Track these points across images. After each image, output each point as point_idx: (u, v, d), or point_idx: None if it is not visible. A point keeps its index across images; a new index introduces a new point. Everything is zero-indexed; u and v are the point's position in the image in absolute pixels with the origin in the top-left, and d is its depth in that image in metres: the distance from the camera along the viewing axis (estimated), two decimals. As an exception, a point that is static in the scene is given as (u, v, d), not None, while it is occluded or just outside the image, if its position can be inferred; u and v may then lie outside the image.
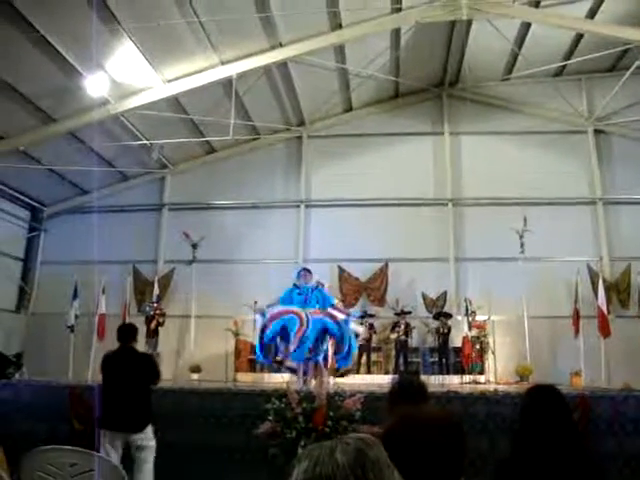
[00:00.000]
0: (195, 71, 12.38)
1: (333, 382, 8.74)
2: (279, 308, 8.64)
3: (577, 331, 12.59)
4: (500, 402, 6.58)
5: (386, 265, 14.58)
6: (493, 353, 13.38)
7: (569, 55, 13.86)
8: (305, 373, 8.66)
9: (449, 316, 13.45)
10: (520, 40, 13.16)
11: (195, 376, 13.09)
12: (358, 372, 12.96)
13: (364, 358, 13.25)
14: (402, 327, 13.22)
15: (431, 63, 14.73)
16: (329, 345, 8.61)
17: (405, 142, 15.54)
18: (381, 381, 11.62)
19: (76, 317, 13.79)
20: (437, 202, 15.07)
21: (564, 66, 14.54)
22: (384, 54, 13.47)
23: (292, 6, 11.20)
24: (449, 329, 13.23)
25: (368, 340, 13.25)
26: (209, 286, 14.37)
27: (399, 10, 11.99)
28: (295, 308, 8.50)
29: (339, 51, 13.02)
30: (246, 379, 12.68)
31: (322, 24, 11.94)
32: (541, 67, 13.92)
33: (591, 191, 14.65)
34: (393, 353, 13.52)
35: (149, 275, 15.13)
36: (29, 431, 7.15)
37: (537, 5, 12.10)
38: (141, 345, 12.61)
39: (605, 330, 12.25)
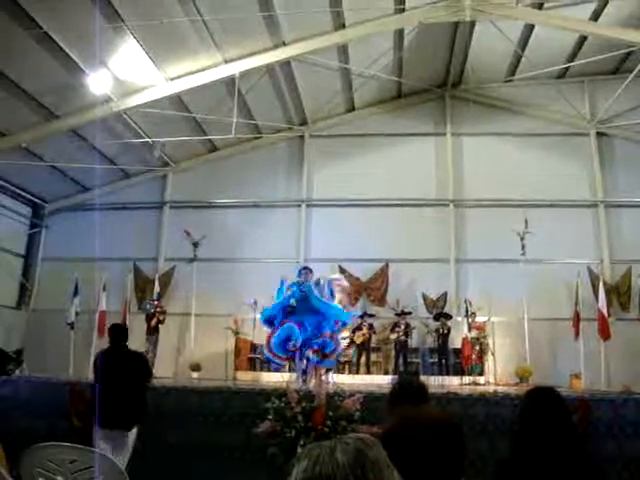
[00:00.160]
0: (198, 69, 12.39)
1: (333, 382, 8.75)
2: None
3: (577, 333, 12.59)
4: (500, 403, 6.58)
5: (387, 265, 14.58)
6: (493, 354, 13.38)
7: (572, 57, 13.85)
8: (304, 372, 8.67)
9: (449, 317, 13.45)
10: (523, 42, 13.15)
11: (195, 374, 13.10)
12: (357, 372, 12.98)
13: (363, 358, 13.25)
14: (402, 327, 13.22)
15: (434, 64, 14.72)
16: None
17: (407, 143, 15.54)
18: (380, 381, 11.64)
19: (77, 314, 13.80)
20: (438, 203, 15.07)
21: (567, 68, 14.53)
22: (387, 54, 13.47)
23: (295, 5, 11.20)
24: (449, 330, 13.22)
25: (367, 340, 13.26)
26: (210, 284, 14.38)
27: (402, 11, 11.99)
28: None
29: (342, 51, 13.02)
30: (246, 378, 12.69)
31: (325, 24, 11.94)
32: (544, 69, 13.91)
33: (593, 194, 14.64)
34: (393, 353, 13.51)
35: (150, 273, 15.15)
36: (29, 428, 7.16)
37: (540, 7, 12.09)
38: (141, 342, 12.67)
39: (605, 333, 12.25)
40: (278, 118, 15.17)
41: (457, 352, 13.31)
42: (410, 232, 14.51)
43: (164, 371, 13.21)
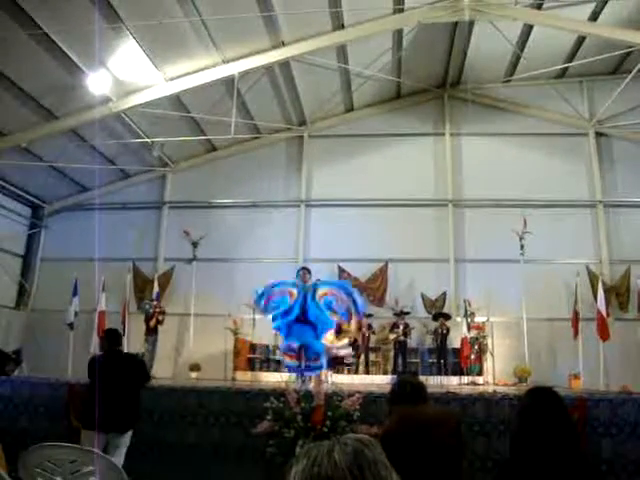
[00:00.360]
0: (197, 69, 12.39)
1: (332, 381, 8.76)
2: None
3: (576, 333, 12.61)
4: (498, 404, 6.58)
5: (386, 265, 14.58)
6: (492, 354, 13.39)
7: (571, 57, 13.87)
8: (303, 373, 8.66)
9: (448, 317, 13.45)
10: (522, 42, 13.17)
11: (194, 374, 13.09)
12: (357, 372, 12.98)
13: (362, 358, 13.26)
14: (401, 327, 13.23)
15: (433, 64, 14.73)
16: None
17: (406, 143, 15.55)
18: (379, 381, 11.65)
19: (76, 314, 13.79)
20: (437, 203, 15.07)
21: (566, 68, 14.54)
22: (386, 54, 13.47)
23: (295, 5, 11.20)
24: (448, 330, 13.23)
25: (367, 340, 13.26)
26: (209, 285, 14.38)
27: (401, 11, 12.00)
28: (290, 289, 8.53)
29: (341, 51, 13.02)
30: (245, 378, 12.70)
31: (324, 24, 11.94)
32: (543, 69, 13.91)
33: (591, 194, 14.65)
34: (392, 353, 13.52)
35: (149, 273, 15.14)
36: (28, 428, 7.17)
37: (539, 7, 12.09)
38: (140, 343, 12.68)
39: (604, 333, 12.25)
40: (277, 118, 15.18)
41: (456, 352, 13.31)
42: (409, 232, 14.51)
43: (163, 371, 13.21)
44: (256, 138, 15.80)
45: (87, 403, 5.49)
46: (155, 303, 13.41)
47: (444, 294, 14.24)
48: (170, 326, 13.89)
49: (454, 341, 13.45)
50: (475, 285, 14.15)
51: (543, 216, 13.99)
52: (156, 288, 14.21)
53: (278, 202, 15.53)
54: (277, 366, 12.92)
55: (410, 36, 13.05)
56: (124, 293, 14.36)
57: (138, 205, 15.96)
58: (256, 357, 13.73)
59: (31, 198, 15.64)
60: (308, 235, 15.22)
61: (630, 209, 14.35)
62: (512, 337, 13.42)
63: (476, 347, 12.98)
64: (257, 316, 13.71)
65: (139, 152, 14.96)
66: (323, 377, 8.15)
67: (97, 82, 11.57)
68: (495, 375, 13.29)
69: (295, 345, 8.53)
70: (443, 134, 15.57)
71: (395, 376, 11.59)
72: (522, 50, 13.33)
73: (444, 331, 13.21)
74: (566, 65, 14.18)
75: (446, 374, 12.89)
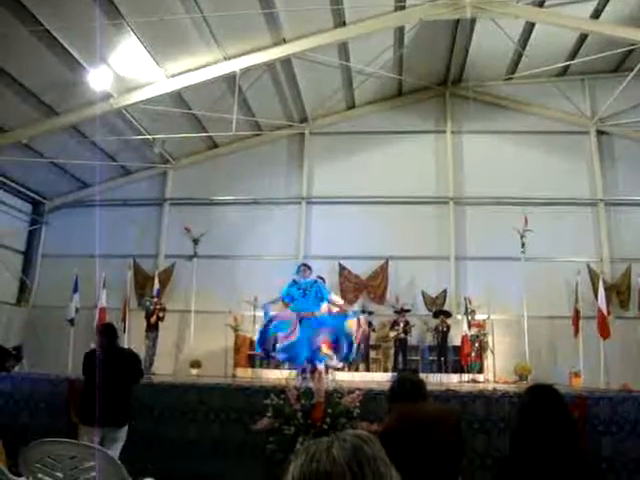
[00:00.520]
0: (198, 66, 12.37)
1: (332, 379, 8.76)
2: (283, 312, 8.84)
3: (577, 331, 12.60)
4: (498, 401, 6.58)
5: (386, 263, 14.58)
6: (492, 352, 13.40)
7: (573, 55, 13.84)
8: (304, 370, 8.68)
9: (449, 314, 13.45)
10: (524, 40, 13.14)
11: (195, 371, 13.12)
12: (357, 369, 12.98)
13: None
14: (401, 325, 13.23)
15: (434, 61, 14.71)
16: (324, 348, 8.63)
17: (407, 140, 15.54)
18: (380, 379, 11.65)
19: (76, 310, 13.82)
20: (438, 200, 15.06)
21: (567, 66, 14.52)
22: (387, 52, 13.45)
23: (296, 2, 11.19)
24: (448, 327, 13.23)
25: (367, 338, 13.26)
26: (209, 281, 14.39)
27: (403, 8, 11.97)
28: (292, 314, 8.68)
29: (342, 48, 13.00)
30: (245, 375, 12.71)
31: (326, 21, 11.92)
32: (544, 67, 13.90)
33: (592, 192, 14.63)
34: (392, 351, 13.52)
35: (150, 270, 15.15)
36: (28, 424, 7.19)
37: (541, 5, 12.07)
38: (141, 339, 12.68)
39: (604, 331, 12.24)
40: (278, 115, 15.17)
41: (456, 350, 13.32)
42: (410, 230, 14.51)
43: (164, 368, 13.23)
44: (257, 135, 15.78)
45: (83, 398, 5.52)
46: (156, 300, 13.41)
47: (445, 292, 14.24)
48: (171, 323, 13.90)
49: (454, 339, 13.45)
50: (476, 283, 14.15)
51: (544, 214, 13.97)
52: (157, 285, 14.21)
53: (279, 199, 15.52)
54: (277, 363, 12.92)
55: (411, 33, 13.03)
56: (125, 290, 14.37)
57: (139, 202, 15.97)
58: (256, 354, 13.71)
59: (32, 194, 15.65)
60: (309, 232, 15.22)
61: (631, 207, 14.33)
62: (513, 335, 13.42)
63: (477, 345, 12.99)
64: (258, 313, 13.74)
65: (140, 149, 14.96)
66: (323, 374, 8.17)
67: (98, 78, 11.57)
68: (495, 373, 13.30)
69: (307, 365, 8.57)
70: (444, 132, 15.55)
71: (395, 374, 11.61)
72: (524, 48, 13.30)
73: (444, 329, 13.21)
74: (568, 63, 14.15)
75: (446, 372, 12.89)
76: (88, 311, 13.83)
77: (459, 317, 13.68)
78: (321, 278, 9.64)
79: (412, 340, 13.64)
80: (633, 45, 12.21)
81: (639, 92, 13.63)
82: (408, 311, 13.61)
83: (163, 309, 13.22)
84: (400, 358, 13.15)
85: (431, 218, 14.93)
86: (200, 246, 14.44)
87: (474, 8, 11.61)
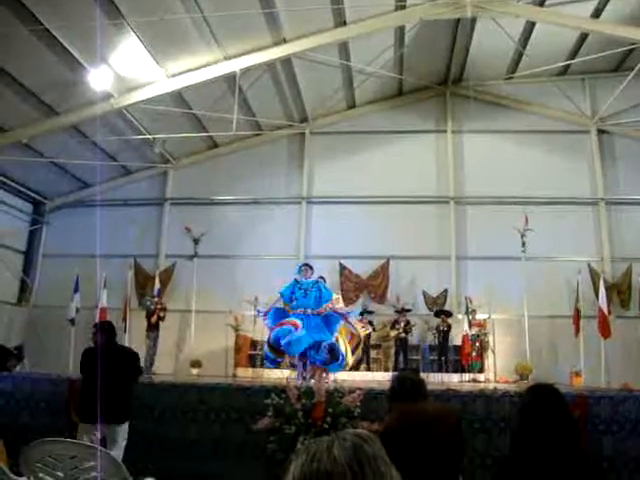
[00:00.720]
0: (199, 66, 12.37)
1: (332, 379, 8.76)
2: (285, 320, 8.90)
3: (577, 331, 12.59)
4: (499, 401, 6.58)
5: (387, 262, 14.58)
6: (493, 352, 13.40)
7: (573, 55, 13.83)
8: (304, 369, 8.69)
9: (449, 314, 13.45)
10: (524, 39, 13.12)
11: (195, 371, 13.13)
12: (357, 369, 12.98)
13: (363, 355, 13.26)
14: (402, 324, 13.23)
15: (435, 61, 14.70)
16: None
17: (408, 140, 15.53)
18: (380, 378, 11.65)
19: (77, 310, 13.81)
20: (439, 200, 15.06)
21: (568, 66, 14.51)
22: (388, 51, 13.44)
23: (296, 2, 11.19)
24: (449, 327, 13.23)
25: (367, 337, 13.26)
26: (210, 281, 14.39)
27: (403, 7, 11.96)
28: (295, 320, 8.74)
29: (343, 48, 12.99)
30: (246, 374, 12.72)
31: (326, 20, 11.91)
32: (545, 66, 13.89)
33: (593, 191, 14.62)
34: (393, 350, 13.53)
35: (150, 269, 15.15)
36: (29, 423, 7.19)
37: (542, 4, 12.06)
38: (142, 339, 12.68)
39: (605, 330, 12.23)
40: (279, 115, 15.16)
41: (457, 349, 13.32)
42: (411, 229, 14.50)
43: (164, 368, 13.24)
44: (257, 135, 15.78)
45: (82, 396, 5.50)
46: (156, 299, 13.42)
47: (445, 291, 14.24)
48: (171, 323, 13.90)
49: (455, 338, 13.45)
50: (476, 282, 14.15)
51: (545, 213, 13.97)
52: (157, 284, 14.21)
53: (279, 199, 15.52)
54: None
55: (412, 33, 13.02)
56: (125, 289, 14.37)
57: (139, 202, 15.97)
58: (257, 354, 13.72)
59: (32, 194, 15.65)
60: (309, 232, 15.22)
61: (632, 207, 14.33)
62: (513, 334, 13.41)
63: (477, 344, 13.00)
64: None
65: (140, 148, 14.96)
66: (324, 374, 8.17)
67: (98, 78, 11.57)
68: (496, 372, 13.31)
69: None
70: (445, 131, 15.55)
71: (395, 373, 11.60)
72: (524, 47, 13.29)
73: (445, 328, 13.21)
74: (568, 62, 14.13)
75: (447, 371, 12.90)
76: (89, 311, 13.82)
77: (460, 317, 13.68)
78: (322, 278, 9.67)
79: (413, 340, 13.65)
80: (633, 44, 12.20)
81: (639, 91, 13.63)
82: (409, 311, 13.61)
83: (164, 309, 13.22)
84: (401, 358, 13.16)
85: (432, 218, 14.93)
86: (201, 246, 14.45)
87: (474, 7, 11.60)
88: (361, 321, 12.94)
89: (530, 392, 2.66)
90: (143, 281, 15.01)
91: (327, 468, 1.02)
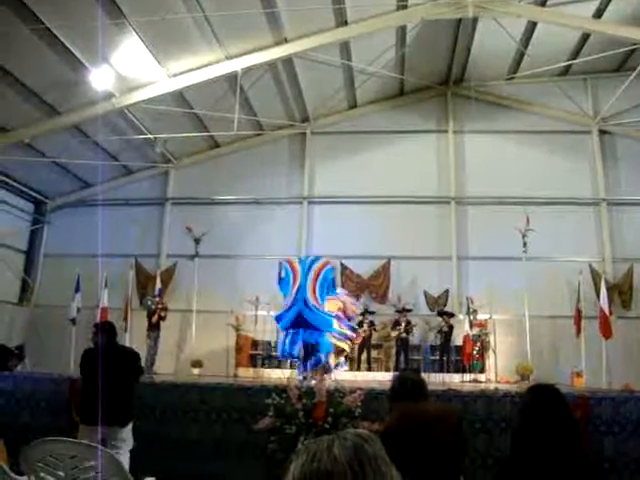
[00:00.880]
0: (200, 66, 12.38)
1: (333, 379, 8.76)
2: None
3: (579, 331, 12.57)
4: (500, 401, 6.57)
5: (388, 262, 14.58)
6: (494, 352, 13.39)
7: (575, 55, 13.82)
8: (305, 369, 8.70)
9: (452, 315, 13.42)
10: (526, 39, 13.11)
11: (196, 371, 13.13)
12: (359, 369, 12.98)
13: (364, 355, 13.26)
14: (403, 325, 13.23)
15: (436, 61, 14.70)
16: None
17: (409, 140, 15.53)
18: (381, 378, 11.64)
19: (78, 310, 13.82)
20: (440, 200, 15.05)
21: (570, 66, 14.50)
22: (389, 51, 13.44)
23: (297, 2, 11.19)
24: (451, 327, 13.22)
25: (368, 337, 13.27)
26: (211, 281, 14.39)
27: (405, 7, 11.96)
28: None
29: (344, 48, 13.00)
30: (247, 374, 12.73)
31: (327, 20, 11.91)
32: (547, 66, 13.88)
33: (595, 191, 14.60)
34: (394, 350, 13.52)
35: (151, 269, 15.16)
36: (30, 423, 7.19)
37: (543, 4, 12.05)
38: (142, 339, 12.69)
39: (607, 331, 12.22)
40: (280, 115, 15.17)
41: (458, 349, 13.31)
42: (412, 229, 14.50)
43: (165, 367, 13.24)
44: (259, 135, 15.79)
45: (82, 397, 5.43)
46: (157, 299, 13.43)
47: (446, 291, 14.23)
48: (172, 322, 13.91)
49: (456, 339, 13.43)
50: (477, 282, 14.14)
51: (546, 214, 13.95)
52: (158, 284, 14.22)
53: (280, 199, 15.52)
54: (279, 362, 12.95)
55: (413, 33, 13.02)
56: (126, 289, 14.39)
57: (141, 201, 15.98)
58: (258, 353, 13.76)
59: (34, 194, 15.67)
60: (310, 232, 15.22)
61: (633, 207, 14.31)
62: (514, 335, 13.41)
63: (478, 345, 12.99)
64: (259, 313, 13.76)
65: (142, 148, 14.97)
66: (325, 374, 8.17)
67: (100, 78, 11.58)
68: (497, 372, 13.31)
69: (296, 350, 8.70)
70: (446, 131, 15.54)
71: (396, 373, 11.58)
72: (526, 47, 13.28)
73: (447, 329, 13.20)
74: (570, 62, 14.13)
75: (448, 371, 12.88)
76: (90, 311, 13.82)
77: (461, 317, 13.66)
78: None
79: (414, 340, 13.64)
80: (635, 44, 12.18)
81: (641, 91, 13.62)
82: (410, 311, 13.60)
83: (165, 309, 13.23)
84: (402, 358, 13.16)
85: (433, 218, 14.92)
86: (202, 246, 14.45)
87: (476, 7, 11.59)
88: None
89: (531, 392, 2.65)
90: (144, 281, 15.02)
91: (327, 468, 1.02)
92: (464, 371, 12.80)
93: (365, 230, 14.53)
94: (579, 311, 12.78)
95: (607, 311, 12.35)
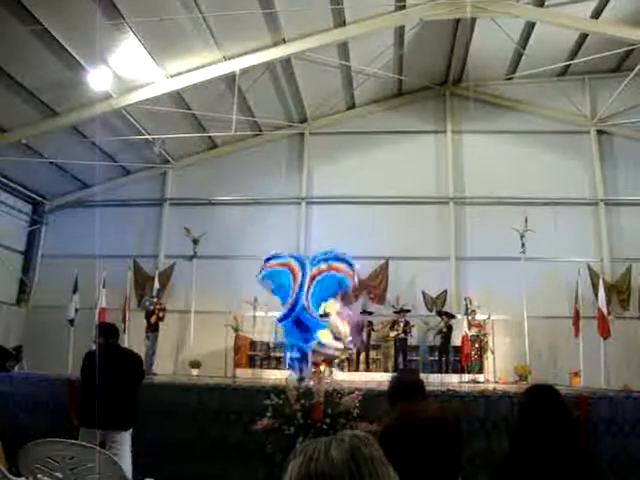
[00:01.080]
0: (198, 66, 12.38)
1: (332, 378, 8.74)
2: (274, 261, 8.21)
3: (577, 332, 12.59)
4: (498, 401, 6.58)
5: (387, 263, 14.57)
6: (492, 352, 13.38)
7: (573, 55, 13.83)
8: (301, 370, 8.64)
9: (452, 316, 13.40)
10: (524, 39, 13.13)
11: (195, 371, 13.12)
12: (357, 369, 12.98)
13: (363, 356, 13.26)
14: (401, 325, 13.22)
15: (435, 61, 14.70)
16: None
17: (407, 140, 15.53)
18: (380, 379, 11.63)
19: (76, 311, 13.81)
20: (438, 200, 15.05)
21: (568, 66, 14.51)
22: (388, 51, 13.44)
23: (296, 2, 11.18)
24: (450, 328, 13.21)
25: (367, 337, 13.26)
26: (209, 282, 14.38)
27: (403, 7, 11.97)
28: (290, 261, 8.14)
29: (342, 48, 13.00)
30: (245, 375, 12.70)
31: (326, 21, 11.92)
32: (545, 67, 13.90)
33: (593, 192, 14.61)
34: (392, 351, 13.52)
35: (150, 270, 15.14)
36: (28, 424, 7.17)
37: (542, 4, 12.06)
38: (141, 340, 12.67)
39: (605, 331, 12.24)
40: (278, 115, 15.17)
41: (457, 350, 13.31)
42: (410, 230, 14.50)
43: (164, 368, 13.23)
44: (257, 135, 15.78)
45: (82, 399, 5.38)
46: (156, 300, 13.41)
47: (445, 292, 14.23)
48: (171, 323, 13.90)
49: (455, 339, 13.43)
50: (476, 283, 14.13)
51: (544, 214, 13.97)
52: (157, 285, 14.22)
53: (279, 199, 15.52)
54: (277, 363, 12.95)
55: (412, 33, 13.02)
56: (125, 290, 14.36)
57: (139, 202, 15.96)
58: (256, 354, 13.75)
59: (32, 194, 15.65)
60: (309, 232, 15.21)
61: (631, 207, 14.33)
62: (513, 335, 13.42)
63: (477, 345, 12.98)
64: (257, 313, 13.74)
65: (140, 149, 14.96)
66: (323, 374, 8.14)
67: (98, 78, 11.58)
68: (496, 373, 13.29)
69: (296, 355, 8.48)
70: (444, 131, 15.54)
71: (394, 373, 11.59)
72: (524, 47, 13.29)
73: (446, 329, 13.19)
74: (568, 62, 14.14)
75: (447, 372, 12.88)
76: (88, 311, 13.80)
77: (459, 317, 13.66)
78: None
79: (412, 340, 13.63)
80: (633, 45, 12.19)
81: (639, 92, 13.62)
82: (408, 311, 13.59)
83: (163, 309, 13.21)
84: (400, 358, 13.15)
85: (431, 218, 14.93)
86: (200, 246, 14.43)
87: (474, 8, 11.59)
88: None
89: (528, 393, 2.66)
90: (142, 281, 15.00)
91: (325, 469, 1.02)
92: (462, 372, 12.80)
93: (363, 230, 14.51)
94: (577, 311, 12.80)
95: (605, 311, 12.38)
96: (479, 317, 13.37)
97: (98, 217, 13.82)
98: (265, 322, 13.73)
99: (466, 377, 12.54)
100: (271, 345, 13.69)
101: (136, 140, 14.28)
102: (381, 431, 1.80)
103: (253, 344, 13.85)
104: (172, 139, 14.32)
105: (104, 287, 13.88)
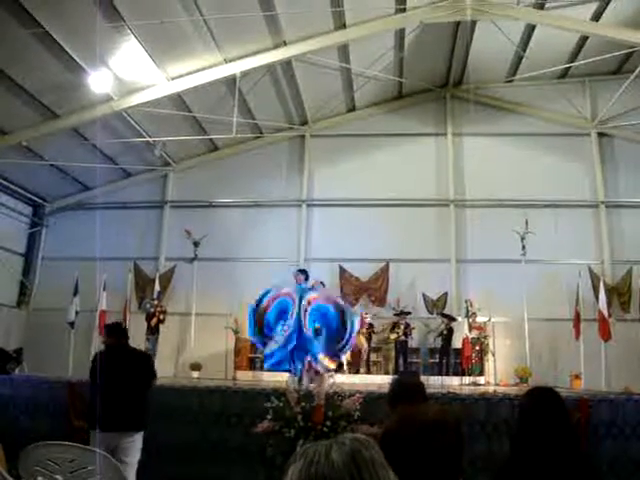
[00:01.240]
0: (199, 69, 12.39)
1: (333, 381, 8.72)
2: (276, 291, 8.29)
3: (578, 334, 12.58)
4: (499, 404, 6.57)
5: (387, 265, 14.57)
6: (493, 355, 13.37)
7: (573, 57, 13.84)
8: (300, 368, 8.60)
9: (453, 319, 13.38)
10: (524, 42, 13.14)
11: (195, 374, 13.11)
12: (358, 372, 12.97)
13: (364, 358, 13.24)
14: (402, 327, 13.21)
15: (435, 64, 14.71)
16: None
17: (408, 143, 15.54)
18: (380, 381, 11.63)
19: (77, 313, 13.80)
20: (439, 203, 15.06)
21: (568, 68, 14.51)
22: (388, 54, 13.45)
23: (296, 5, 11.19)
24: (451, 330, 13.20)
25: (368, 340, 13.26)
26: (210, 284, 14.38)
27: (403, 10, 11.99)
28: (289, 290, 8.17)
29: (343, 51, 13.01)
30: (246, 377, 12.70)
31: (326, 23, 11.93)
32: (545, 69, 13.89)
33: (593, 194, 14.61)
34: (393, 354, 13.51)
35: (150, 272, 15.14)
36: (28, 427, 7.16)
37: (542, 7, 12.07)
38: (142, 342, 12.66)
39: (606, 333, 12.23)
40: (279, 118, 15.18)
41: (457, 352, 13.29)
42: (411, 232, 14.50)
43: (164, 370, 13.19)
44: (258, 137, 15.80)
45: (91, 401, 5.26)
46: (156, 302, 13.42)
47: (445, 294, 14.22)
48: (171, 325, 13.90)
49: (455, 341, 13.41)
50: (476, 285, 14.13)
51: (545, 216, 13.97)
52: (157, 287, 14.21)
53: (279, 202, 15.52)
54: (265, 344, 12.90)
55: (412, 36, 13.03)
56: (125, 292, 14.37)
57: (139, 204, 15.97)
58: (257, 357, 13.71)
59: (32, 197, 15.65)
60: (309, 235, 15.21)
61: (632, 210, 14.33)
62: (513, 337, 13.41)
63: (477, 347, 12.97)
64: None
65: (141, 151, 14.97)
66: (324, 377, 8.12)
67: (99, 81, 11.59)
68: (496, 375, 13.29)
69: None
70: (445, 134, 15.55)
71: (395, 376, 11.58)
72: (524, 50, 13.31)
73: (447, 332, 13.18)
74: (568, 65, 14.16)
75: (447, 374, 12.87)
76: (88, 314, 13.81)
77: (460, 320, 13.65)
78: (321, 283, 9.49)
79: (413, 343, 13.62)
80: (634, 47, 12.20)
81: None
82: (408, 314, 13.58)
83: (164, 312, 13.22)
84: (401, 361, 13.13)
85: (432, 220, 14.93)
86: (201, 249, 14.43)
87: (475, 10, 11.62)
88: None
89: (529, 395, 2.66)
90: (143, 284, 15.00)
91: (325, 472, 1.02)
92: (463, 374, 12.79)
93: (364, 233, 14.52)
94: (578, 313, 12.79)
95: (606, 313, 12.37)
96: (480, 319, 13.36)
97: (99, 219, 13.83)
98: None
99: (467, 379, 12.53)
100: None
101: (137, 142, 14.29)
102: (382, 434, 1.80)
103: (254, 346, 13.81)
104: (173, 141, 14.33)
105: (104, 290, 13.88)
